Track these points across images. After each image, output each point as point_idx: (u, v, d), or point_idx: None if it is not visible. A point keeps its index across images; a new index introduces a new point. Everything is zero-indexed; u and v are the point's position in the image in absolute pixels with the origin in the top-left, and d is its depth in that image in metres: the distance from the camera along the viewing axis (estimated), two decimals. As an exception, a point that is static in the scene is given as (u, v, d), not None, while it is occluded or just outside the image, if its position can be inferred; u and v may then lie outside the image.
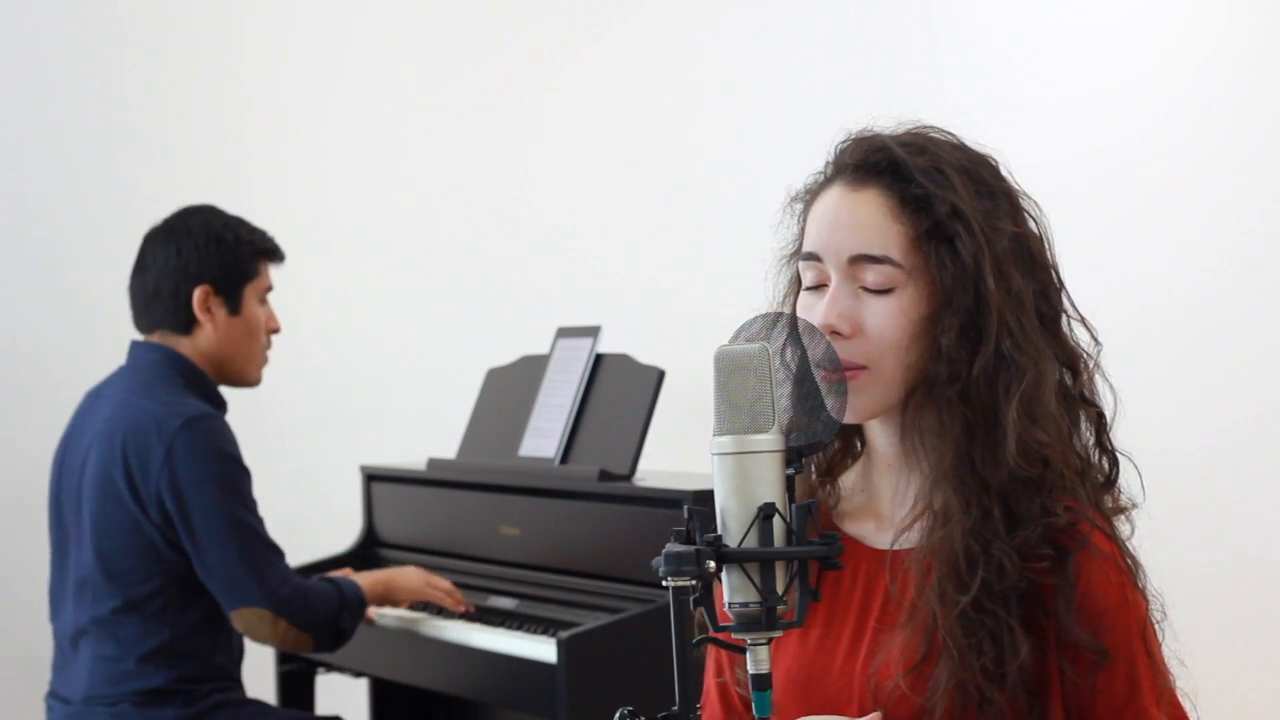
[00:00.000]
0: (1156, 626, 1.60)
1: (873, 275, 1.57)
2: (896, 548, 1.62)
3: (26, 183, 4.31)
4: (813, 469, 1.71)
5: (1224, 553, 3.45)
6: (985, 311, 1.56)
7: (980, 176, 1.61)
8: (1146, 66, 3.67)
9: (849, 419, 1.61)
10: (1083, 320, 1.65)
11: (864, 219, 1.58)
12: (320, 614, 3.07)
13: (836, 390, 1.57)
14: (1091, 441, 1.64)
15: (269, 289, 3.19)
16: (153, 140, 4.46)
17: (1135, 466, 1.66)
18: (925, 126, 1.66)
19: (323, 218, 4.65)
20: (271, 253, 3.20)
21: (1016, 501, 1.54)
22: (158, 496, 2.97)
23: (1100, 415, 1.65)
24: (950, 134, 1.65)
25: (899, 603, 1.60)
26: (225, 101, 4.59)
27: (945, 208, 1.56)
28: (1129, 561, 1.59)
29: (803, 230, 1.66)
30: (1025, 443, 1.55)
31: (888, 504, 1.67)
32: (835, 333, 1.57)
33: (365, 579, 3.27)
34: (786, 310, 1.66)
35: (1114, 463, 1.65)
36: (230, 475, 2.99)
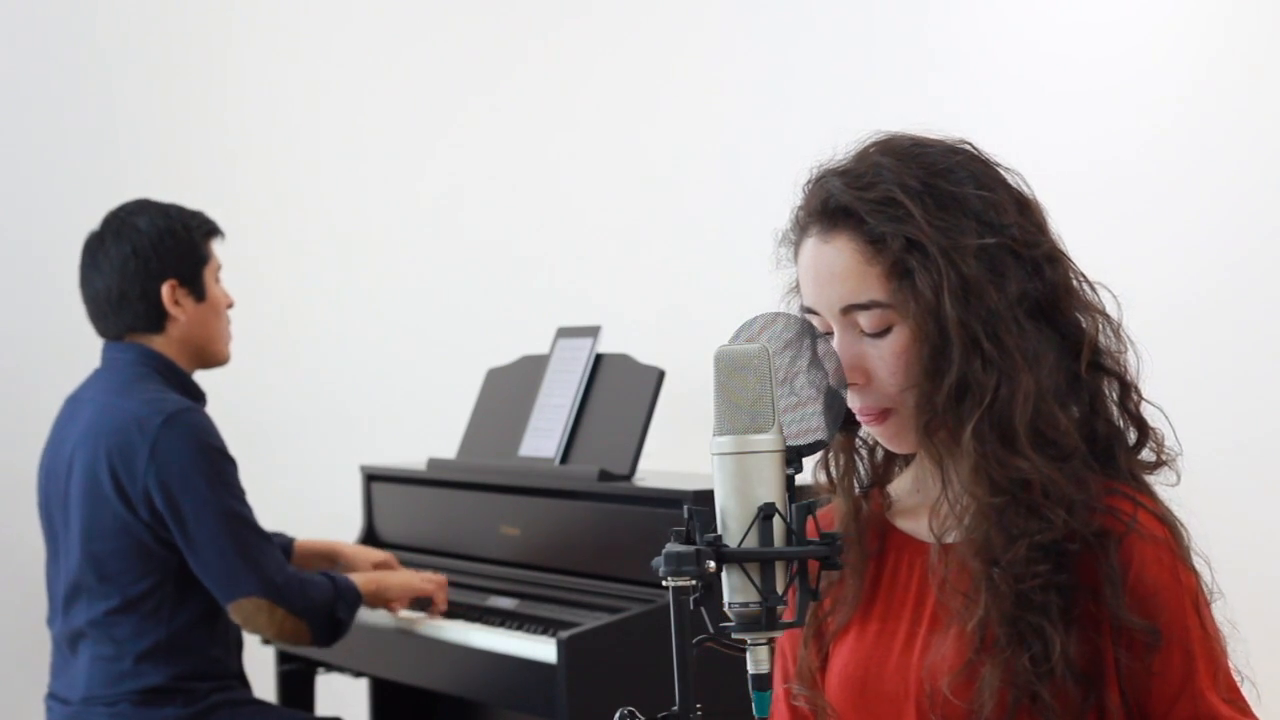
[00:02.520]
0: (1210, 596, 1.59)
1: (865, 320, 1.58)
2: (939, 542, 1.62)
3: (12, 185, 4.31)
4: (856, 483, 1.70)
5: (1249, 553, 3.44)
6: (948, 339, 1.55)
7: (939, 190, 1.57)
8: (1154, 63, 3.66)
9: (898, 450, 1.65)
10: (1092, 285, 1.62)
11: (841, 269, 1.58)
12: (316, 601, 3.07)
13: (874, 432, 1.63)
14: (1116, 409, 1.62)
15: (220, 267, 3.20)
16: (145, 142, 4.45)
17: (1166, 419, 1.63)
18: (884, 139, 1.63)
19: (323, 218, 4.65)
20: (214, 230, 3.20)
21: (1010, 522, 1.54)
22: (145, 495, 2.97)
23: (1123, 382, 1.62)
24: (913, 140, 1.62)
25: (948, 599, 1.59)
26: (220, 101, 4.59)
27: (899, 243, 1.55)
28: (1177, 536, 1.58)
29: (797, 273, 1.66)
30: (996, 469, 1.54)
31: (940, 501, 1.66)
32: (851, 383, 1.58)
33: (358, 578, 3.27)
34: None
35: (1142, 428, 1.63)
36: (216, 466, 2.99)
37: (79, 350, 3.44)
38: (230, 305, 3.20)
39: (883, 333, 1.58)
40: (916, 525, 1.68)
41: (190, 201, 3.22)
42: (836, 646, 1.67)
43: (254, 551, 2.99)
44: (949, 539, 1.60)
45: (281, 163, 4.62)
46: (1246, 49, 3.54)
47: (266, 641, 3.67)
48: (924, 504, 1.68)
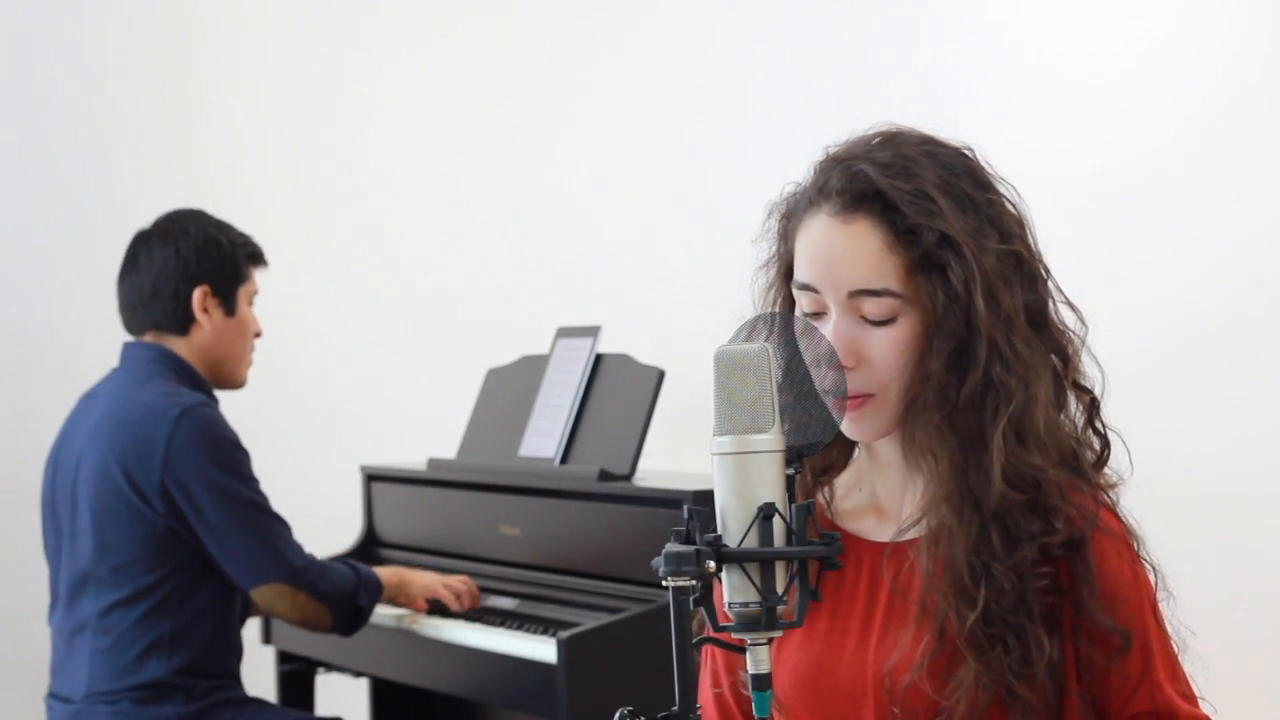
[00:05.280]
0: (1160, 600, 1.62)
1: (872, 306, 1.58)
2: (898, 540, 1.63)
3: (29, 177, 4.31)
4: (808, 469, 1.71)
5: (1260, 568, 3.44)
6: (975, 337, 1.56)
7: (960, 191, 1.59)
8: (1169, 72, 3.65)
9: (860, 439, 1.65)
10: (1069, 304, 1.65)
11: (860, 253, 1.58)
12: (339, 587, 3.12)
13: (847, 417, 1.60)
14: (1082, 424, 1.65)
15: (256, 293, 3.22)
16: (147, 145, 4.46)
17: (1123, 442, 1.67)
18: (893, 132, 1.64)
19: (323, 218, 4.65)
20: (259, 257, 3.25)
21: (1014, 522, 1.56)
22: (162, 488, 2.98)
23: (1093, 399, 1.65)
24: (923, 137, 1.63)
25: (904, 596, 1.61)
26: (221, 102, 4.59)
27: (934, 237, 1.56)
28: (1134, 535, 1.62)
29: (787, 248, 1.65)
30: (1013, 468, 1.56)
31: (889, 500, 1.68)
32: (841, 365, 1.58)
33: (381, 571, 3.30)
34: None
35: (1105, 444, 1.66)
36: (231, 457, 3.03)
37: (80, 356, 3.46)
38: (258, 334, 3.23)
39: (886, 321, 1.58)
40: (861, 525, 1.69)
41: (189, 202, 3.23)
42: (781, 651, 1.67)
43: (274, 538, 3.04)
44: (908, 537, 1.61)
45: (282, 163, 4.62)
46: (1266, 49, 3.52)
47: (267, 641, 3.68)
48: (866, 503, 1.70)
